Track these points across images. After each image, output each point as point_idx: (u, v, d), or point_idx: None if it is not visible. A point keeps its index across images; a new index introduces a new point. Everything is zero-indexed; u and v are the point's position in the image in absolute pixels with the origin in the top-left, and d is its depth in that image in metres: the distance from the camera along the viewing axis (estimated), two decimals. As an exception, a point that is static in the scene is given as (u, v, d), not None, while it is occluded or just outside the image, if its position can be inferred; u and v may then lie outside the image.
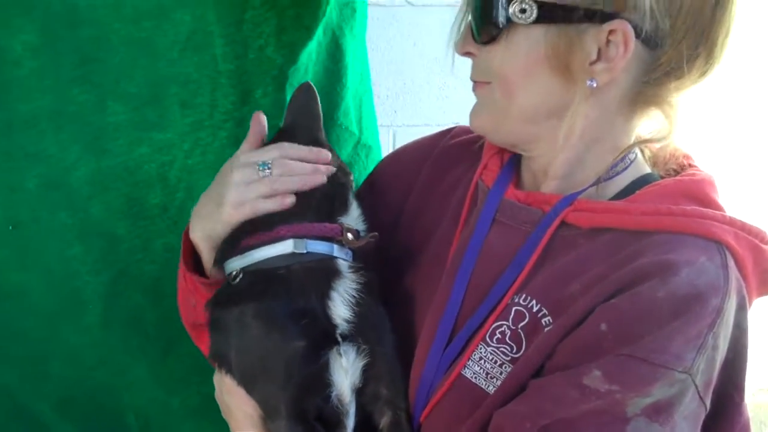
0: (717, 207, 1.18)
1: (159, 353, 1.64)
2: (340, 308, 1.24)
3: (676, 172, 1.25)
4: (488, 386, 1.16)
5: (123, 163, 1.52)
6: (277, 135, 1.37)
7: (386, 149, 2.02)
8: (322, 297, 1.24)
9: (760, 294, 1.19)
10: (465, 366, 1.18)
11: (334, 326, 1.23)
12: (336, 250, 1.27)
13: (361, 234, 1.32)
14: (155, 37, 1.47)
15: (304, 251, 1.25)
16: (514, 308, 1.17)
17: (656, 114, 1.20)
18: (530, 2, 1.13)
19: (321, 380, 1.21)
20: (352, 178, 1.38)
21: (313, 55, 1.62)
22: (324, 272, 1.25)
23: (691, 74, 1.15)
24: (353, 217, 1.33)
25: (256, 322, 1.23)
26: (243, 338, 1.25)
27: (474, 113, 1.28)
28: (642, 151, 1.27)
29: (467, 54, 1.25)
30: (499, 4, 1.15)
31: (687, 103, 1.18)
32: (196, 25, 1.48)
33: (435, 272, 1.29)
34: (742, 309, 1.12)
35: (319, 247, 1.26)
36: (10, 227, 1.51)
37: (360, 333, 1.24)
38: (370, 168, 1.76)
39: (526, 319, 1.16)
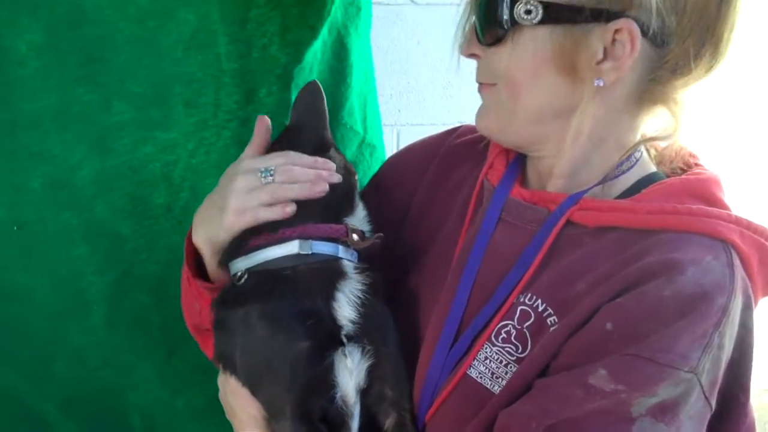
0: (723, 206, 1.17)
1: (164, 353, 1.64)
2: (346, 309, 1.24)
3: (682, 171, 1.25)
4: (493, 386, 1.16)
5: (127, 162, 1.52)
6: (283, 133, 1.37)
7: (390, 148, 2.02)
8: (327, 298, 1.23)
9: (766, 293, 1.19)
10: (470, 366, 1.18)
11: (339, 327, 1.23)
12: (341, 251, 1.27)
13: (367, 235, 1.31)
14: (159, 36, 1.47)
15: (310, 252, 1.24)
16: (519, 308, 1.17)
17: (662, 112, 1.20)
18: (535, 3, 1.13)
19: (326, 381, 1.21)
20: (356, 178, 1.38)
21: (318, 54, 1.61)
22: (329, 273, 1.25)
23: (698, 70, 1.15)
24: (359, 218, 1.33)
25: (261, 323, 1.23)
26: (248, 339, 1.25)
27: (480, 115, 1.28)
28: (647, 150, 1.26)
29: (472, 56, 1.25)
30: (504, 5, 1.15)
31: (692, 101, 1.18)
32: (200, 24, 1.48)
33: (440, 271, 1.29)
34: (747, 308, 1.12)
35: (324, 248, 1.26)
36: (15, 227, 1.51)
37: (365, 334, 1.24)
38: (375, 167, 1.76)
39: (532, 319, 1.16)
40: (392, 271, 1.38)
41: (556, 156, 1.23)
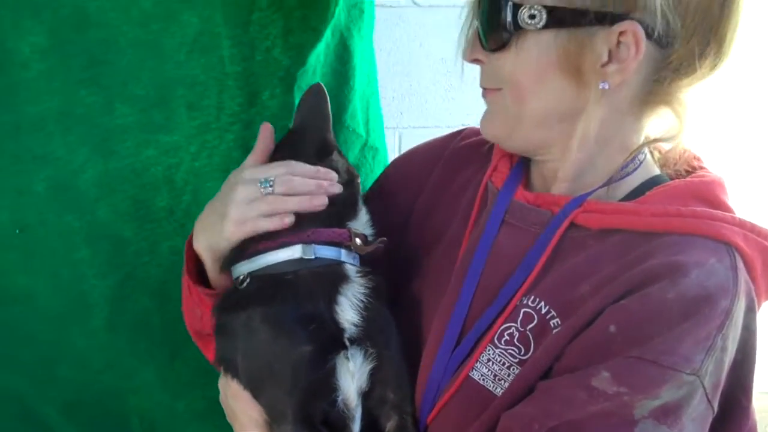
0: (726, 209, 1.18)
1: (166, 357, 1.63)
2: (348, 312, 1.24)
3: (686, 174, 1.25)
4: (496, 388, 1.16)
5: (130, 165, 1.51)
6: (287, 136, 1.38)
7: (392, 151, 2.02)
8: (329, 302, 1.24)
9: (769, 296, 1.19)
10: (473, 368, 1.18)
11: (342, 330, 1.23)
12: (344, 255, 1.27)
13: (369, 238, 1.31)
14: (163, 39, 1.47)
15: (313, 257, 1.25)
16: (522, 310, 1.17)
17: (666, 113, 1.20)
18: (539, 8, 1.13)
19: (328, 385, 1.21)
20: (359, 181, 1.38)
21: (321, 57, 1.61)
22: (332, 277, 1.25)
23: (702, 70, 1.15)
24: (362, 222, 1.33)
25: (263, 327, 1.23)
26: (250, 343, 1.25)
27: (485, 120, 1.27)
28: (651, 153, 1.27)
29: (475, 61, 1.25)
30: (508, 10, 1.15)
31: (696, 102, 1.18)
32: (203, 26, 1.48)
33: (444, 273, 1.29)
34: (750, 311, 1.12)
35: (327, 252, 1.26)
36: (17, 230, 1.50)
37: (368, 337, 1.24)
38: (377, 170, 1.76)
39: (535, 321, 1.16)
40: (395, 274, 1.38)
41: (560, 159, 1.23)
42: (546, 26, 1.13)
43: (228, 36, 1.50)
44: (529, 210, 1.24)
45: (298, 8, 1.52)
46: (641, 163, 1.23)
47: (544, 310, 1.15)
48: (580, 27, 1.12)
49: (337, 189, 1.28)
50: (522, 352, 1.16)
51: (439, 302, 1.27)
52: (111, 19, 1.44)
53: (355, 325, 1.23)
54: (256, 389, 1.25)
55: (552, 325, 1.14)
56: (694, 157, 1.26)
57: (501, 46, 1.17)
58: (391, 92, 2.11)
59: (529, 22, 1.13)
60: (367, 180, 1.71)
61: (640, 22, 1.10)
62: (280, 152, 1.34)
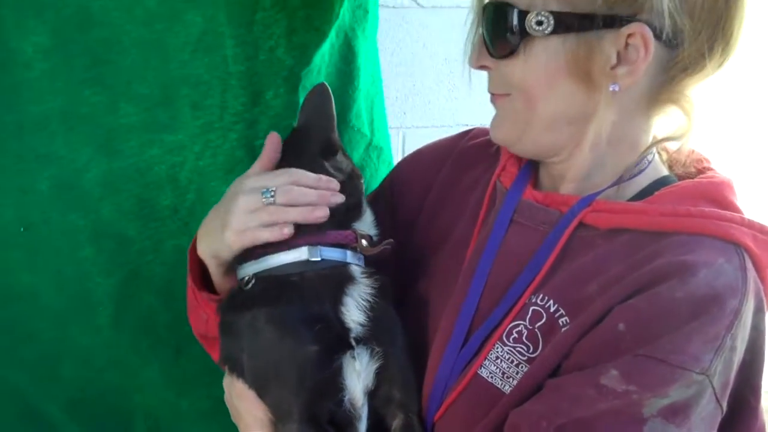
0: (735, 209, 1.18)
1: (170, 355, 1.64)
2: (354, 313, 1.24)
3: (694, 175, 1.25)
4: (504, 386, 1.17)
5: (134, 164, 1.52)
6: (291, 135, 1.37)
7: (395, 151, 2.02)
8: (335, 303, 1.24)
9: (778, 296, 1.19)
10: (481, 365, 1.19)
11: (348, 330, 1.23)
12: (349, 257, 1.27)
13: (374, 239, 1.32)
14: (166, 38, 1.47)
15: (318, 258, 1.25)
16: (531, 308, 1.18)
17: (674, 111, 1.20)
18: (546, 14, 1.13)
19: (334, 384, 1.21)
20: (363, 181, 1.38)
21: (325, 57, 1.61)
22: (337, 279, 1.26)
23: (710, 67, 1.15)
24: (367, 222, 1.34)
25: (269, 327, 1.23)
26: (255, 342, 1.25)
27: (495, 125, 1.28)
28: (659, 153, 1.27)
29: (483, 68, 1.25)
30: (515, 17, 1.15)
31: (703, 101, 1.18)
32: (206, 26, 1.48)
33: (452, 272, 1.30)
34: (759, 311, 1.12)
35: (333, 254, 1.26)
36: (22, 229, 1.51)
37: (374, 336, 1.24)
38: (382, 170, 1.76)
39: (543, 319, 1.16)
40: (403, 273, 1.39)
41: (570, 160, 1.23)
42: (554, 32, 1.13)
43: (232, 35, 1.50)
44: (538, 209, 1.24)
45: (302, 8, 1.53)
46: (650, 163, 1.23)
47: (552, 309, 1.16)
48: (588, 31, 1.12)
49: (339, 199, 1.27)
50: (530, 350, 1.16)
51: (446, 301, 1.27)
52: (114, 18, 1.45)
53: (362, 325, 1.24)
54: (261, 389, 1.25)
55: (560, 323, 1.15)
56: (702, 158, 1.27)
57: (509, 53, 1.18)
58: (394, 92, 2.11)
59: (537, 28, 1.14)
60: (371, 179, 1.72)
61: (648, 24, 1.11)
62: (284, 151, 1.34)
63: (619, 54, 1.13)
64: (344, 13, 1.61)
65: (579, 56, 1.14)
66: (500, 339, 1.18)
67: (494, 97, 1.26)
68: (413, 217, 1.45)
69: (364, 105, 1.75)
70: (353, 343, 1.23)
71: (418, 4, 2.07)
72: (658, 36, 1.12)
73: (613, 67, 1.13)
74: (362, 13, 1.70)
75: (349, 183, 1.33)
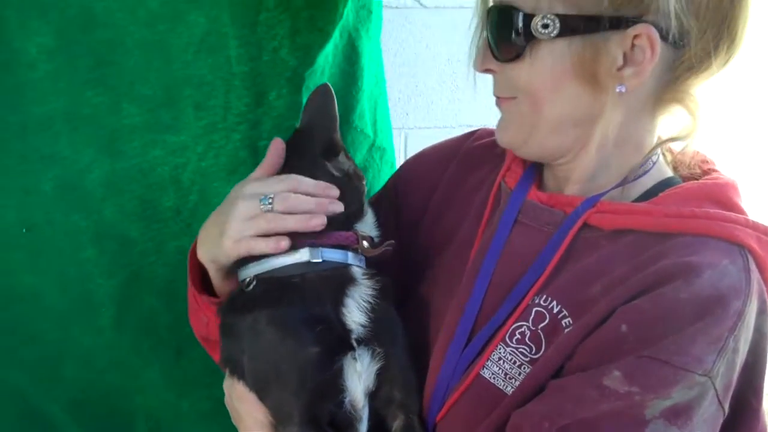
0: (740, 211, 1.18)
1: (171, 356, 1.64)
2: (355, 314, 1.24)
3: (699, 176, 1.25)
4: (506, 387, 1.16)
5: (137, 165, 1.52)
6: (294, 136, 1.37)
7: (398, 152, 2.02)
8: (336, 304, 1.24)
9: (781, 299, 1.19)
10: (484, 366, 1.19)
11: (349, 331, 1.23)
12: (351, 258, 1.27)
13: (375, 240, 1.32)
14: (170, 39, 1.47)
15: (320, 260, 1.25)
16: (534, 309, 1.17)
17: (678, 111, 1.20)
18: (552, 16, 1.13)
19: (335, 386, 1.21)
20: (365, 183, 1.38)
21: (329, 58, 1.62)
22: (339, 280, 1.26)
23: (715, 65, 1.15)
24: (368, 223, 1.34)
25: (270, 329, 1.23)
26: (256, 344, 1.25)
27: (500, 128, 1.27)
28: (663, 155, 1.27)
29: (488, 71, 1.25)
30: (520, 21, 1.15)
31: (708, 98, 1.18)
32: (210, 26, 1.48)
33: (455, 273, 1.30)
34: (762, 313, 1.12)
35: (334, 255, 1.26)
36: (24, 230, 1.51)
37: (375, 337, 1.24)
38: (385, 170, 1.76)
39: (546, 320, 1.16)
40: (407, 273, 1.39)
41: (575, 162, 1.23)
42: (560, 34, 1.13)
43: (235, 36, 1.50)
44: (543, 210, 1.24)
45: (306, 9, 1.52)
46: (654, 164, 1.23)
47: (556, 310, 1.16)
48: (594, 33, 1.12)
49: (338, 208, 1.27)
50: (533, 351, 1.16)
51: (450, 301, 1.27)
52: (118, 19, 1.45)
53: (363, 326, 1.24)
54: (262, 391, 1.25)
55: (564, 324, 1.14)
56: (706, 160, 1.27)
57: (515, 56, 1.17)
58: (397, 93, 2.11)
59: (543, 31, 1.13)
60: (374, 180, 1.72)
61: (654, 25, 1.10)
62: (286, 152, 1.34)
63: (625, 55, 1.12)
64: (348, 13, 1.61)
65: (585, 58, 1.13)
66: (503, 340, 1.18)
67: (500, 101, 1.26)
68: (418, 217, 1.45)
69: (368, 106, 1.75)
70: (354, 344, 1.23)
71: (421, 4, 2.06)
72: (664, 37, 1.11)
73: (619, 69, 1.13)
74: (366, 13, 1.70)
75: (350, 184, 1.33)
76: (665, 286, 1.07)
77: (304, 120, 1.38)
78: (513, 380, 1.16)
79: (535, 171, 1.31)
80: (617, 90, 1.13)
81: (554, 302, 1.16)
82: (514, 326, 1.18)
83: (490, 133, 1.41)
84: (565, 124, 1.20)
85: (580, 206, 1.20)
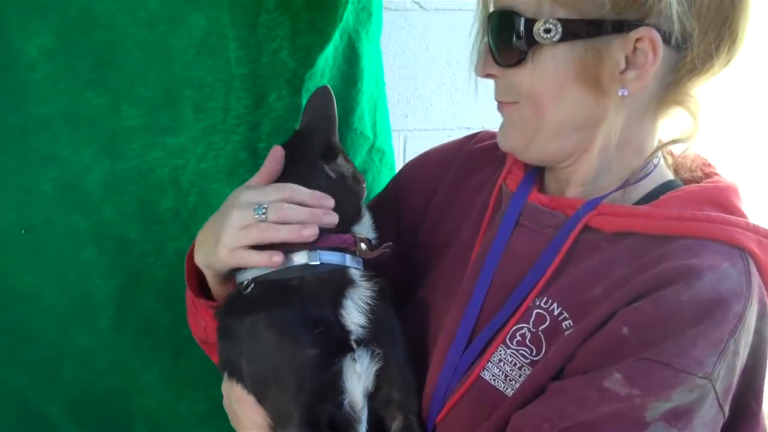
0: (740, 214, 1.18)
1: (170, 357, 1.64)
2: (354, 315, 1.24)
3: (700, 179, 1.25)
4: (507, 389, 1.17)
5: (136, 166, 1.52)
6: (292, 138, 1.37)
7: (397, 154, 2.02)
8: (334, 306, 1.24)
9: (782, 302, 1.19)
10: (484, 368, 1.19)
11: (348, 333, 1.23)
12: (348, 260, 1.27)
13: (373, 242, 1.32)
14: (170, 40, 1.47)
15: (318, 262, 1.25)
16: (535, 311, 1.18)
17: (679, 113, 1.20)
18: (554, 21, 1.12)
19: (334, 388, 1.21)
20: (364, 185, 1.38)
21: (329, 60, 1.62)
22: (337, 282, 1.26)
23: (717, 66, 1.15)
24: (365, 226, 1.34)
25: (268, 332, 1.23)
26: (255, 347, 1.25)
27: (503, 133, 1.27)
28: (664, 157, 1.27)
29: (489, 76, 1.24)
30: (521, 26, 1.14)
31: (708, 103, 1.18)
32: (210, 28, 1.48)
33: (456, 275, 1.30)
34: (762, 317, 1.12)
35: (332, 257, 1.26)
36: (23, 230, 1.51)
37: (374, 338, 1.24)
38: (384, 172, 1.76)
39: (547, 322, 1.16)
40: (408, 275, 1.39)
41: (576, 165, 1.23)
42: (562, 39, 1.13)
43: (235, 38, 1.50)
44: (544, 212, 1.24)
45: (306, 10, 1.52)
46: (655, 166, 1.23)
47: (556, 312, 1.16)
48: (597, 37, 1.12)
49: (332, 218, 1.26)
50: (534, 353, 1.16)
51: (450, 304, 1.27)
52: (118, 20, 1.45)
53: (362, 327, 1.24)
54: (260, 393, 1.25)
55: (564, 326, 1.15)
56: (707, 163, 1.27)
57: (517, 61, 1.17)
58: (396, 95, 2.11)
59: (545, 36, 1.13)
60: (374, 182, 1.72)
61: (656, 28, 1.11)
62: (284, 153, 1.34)
63: (627, 58, 1.12)
64: (348, 15, 1.62)
65: (587, 62, 1.13)
66: (503, 341, 1.18)
67: (501, 105, 1.26)
68: (418, 220, 1.45)
69: (368, 108, 1.75)
70: (354, 345, 1.23)
71: (421, 6, 2.06)
72: (666, 40, 1.12)
73: (621, 72, 1.13)
74: (366, 15, 1.70)
75: (347, 186, 1.33)
76: (666, 288, 1.07)
77: (304, 122, 1.38)
78: (513, 382, 1.16)
79: (536, 174, 1.31)
80: (620, 93, 1.13)
81: (555, 304, 1.16)
82: (514, 328, 1.18)
83: (491, 135, 1.41)
84: (567, 128, 1.19)
85: (581, 209, 1.20)
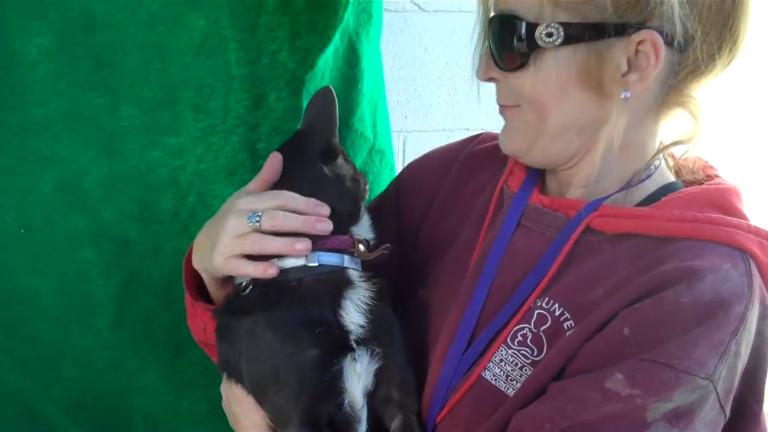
0: (742, 216, 1.18)
1: (169, 357, 1.64)
2: (353, 315, 1.24)
3: (701, 181, 1.25)
4: (508, 389, 1.17)
5: (135, 166, 1.52)
6: (293, 137, 1.38)
7: (396, 155, 2.02)
8: (333, 306, 1.24)
9: (783, 304, 1.19)
10: (485, 368, 1.19)
11: (347, 333, 1.23)
12: (347, 261, 1.28)
13: (371, 243, 1.32)
14: (169, 41, 1.47)
15: (316, 264, 1.25)
16: (536, 311, 1.18)
17: (680, 115, 1.20)
18: (556, 25, 1.12)
19: (334, 388, 1.21)
20: (366, 187, 1.37)
21: (330, 61, 1.62)
22: (336, 283, 1.26)
23: (719, 66, 1.15)
24: (364, 226, 1.34)
25: (268, 332, 1.23)
26: (254, 348, 1.25)
27: (505, 136, 1.27)
28: (665, 159, 1.27)
29: (491, 80, 1.25)
30: (523, 31, 1.15)
31: (710, 104, 1.18)
32: (210, 29, 1.48)
33: (457, 276, 1.30)
34: (763, 318, 1.12)
35: (330, 258, 1.26)
36: (23, 230, 1.51)
37: (374, 337, 1.25)
38: (384, 173, 1.77)
39: (548, 323, 1.16)
40: (409, 276, 1.39)
41: (578, 166, 1.24)
42: (564, 43, 1.13)
43: (235, 39, 1.50)
44: (545, 213, 1.25)
45: (306, 12, 1.53)
46: (656, 168, 1.23)
47: (557, 312, 1.16)
48: (599, 40, 1.12)
49: (327, 226, 1.26)
50: (535, 353, 1.17)
51: (451, 304, 1.28)
52: (118, 21, 1.45)
53: (361, 327, 1.24)
54: (260, 394, 1.26)
55: (565, 327, 1.15)
56: (708, 165, 1.27)
57: (519, 65, 1.17)
58: (395, 96, 2.11)
59: (547, 40, 1.13)
60: (374, 183, 1.72)
61: (658, 30, 1.11)
62: (285, 155, 1.34)
63: (629, 61, 1.13)
64: (348, 17, 1.62)
65: (590, 65, 1.13)
66: (505, 342, 1.19)
67: (503, 109, 1.26)
68: (419, 221, 1.45)
69: (368, 109, 1.75)
70: (353, 345, 1.23)
71: (420, 7, 2.06)
72: (669, 42, 1.12)
73: (624, 75, 1.13)
74: (366, 17, 1.70)
75: (344, 187, 1.33)
76: (667, 289, 1.08)
77: (305, 122, 1.38)
78: (514, 382, 1.16)
79: (537, 175, 1.31)
80: (622, 96, 1.14)
81: (556, 305, 1.16)
82: (515, 328, 1.19)
83: (493, 137, 1.42)
84: (569, 131, 1.20)
85: (582, 210, 1.20)
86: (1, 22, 1.42)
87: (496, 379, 1.18)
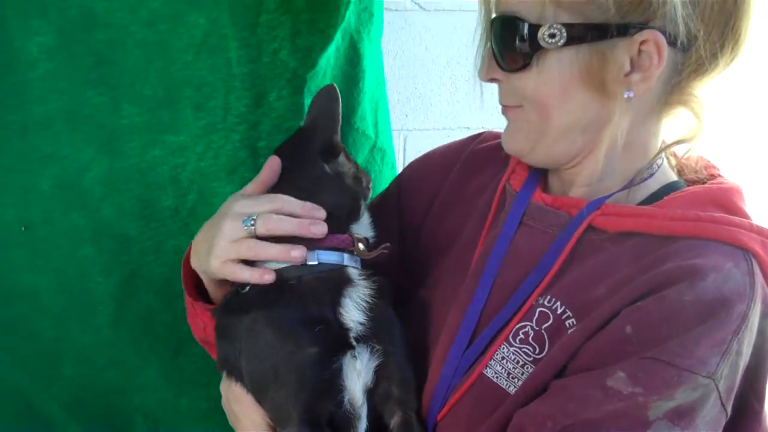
0: (744, 215, 1.18)
1: (169, 354, 1.64)
2: (353, 313, 1.25)
3: (703, 181, 1.25)
4: (509, 386, 1.17)
5: (136, 164, 1.52)
6: (295, 135, 1.38)
7: (397, 153, 2.02)
8: (333, 305, 1.24)
9: (784, 303, 1.19)
10: (487, 365, 1.19)
11: (347, 331, 1.23)
12: (347, 259, 1.28)
13: (371, 241, 1.32)
14: (170, 39, 1.47)
15: (316, 262, 1.25)
16: (538, 309, 1.18)
17: (683, 114, 1.20)
18: (559, 26, 1.13)
19: (334, 385, 1.21)
20: (370, 185, 1.38)
21: (331, 60, 1.62)
22: (335, 281, 1.26)
23: (721, 65, 1.15)
24: (364, 224, 1.34)
25: (267, 330, 1.24)
26: (254, 346, 1.25)
27: (507, 136, 1.28)
28: (668, 159, 1.27)
29: (493, 80, 1.25)
30: (525, 32, 1.15)
31: (712, 103, 1.18)
32: (210, 28, 1.48)
33: (459, 274, 1.30)
34: (765, 317, 1.12)
35: (330, 257, 1.27)
36: (23, 228, 1.51)
37: (374, 334, 1.25)
38: (385, 171, 1.77)
39: (550, 321, 1.17)
40: (410, 274, 1.40)
41: (581, 166, 1.24)
42: (567, 43, 1.13)
43: (235, 37, 1.50)
44: (547, 212, 1.25)
45: (306, 11, 1.53)
46: (659, 167, 1.24)
47: (559, 310, 1.16)
48: (601, 40, 1.12)
49: (322, 229, 1.26)
50: (536, 351, 1.17)
51: (452, 302, 1.28)
52: (118, 19, 1.45)
53: (361, 324, 1.24)
54: (260, 392, 1.26)
55: (567, 325, 1.15)
56: (710, 164, 1.28)
57: (521, 66, 1.17)
58: (396, 95, 2.11)
59: (550, 41, 1.13)
60: (375, 181, 1.72)
61: (660, 30, 1.11)
62: (286, 152, 1.34)
63: (632, 61, 1.13)
64: (350, 16, 1.62)
65: (593, 66, 1.14)
66: (506, 339, 1.19)
67: (506, 109, 1.26)
68: (421, 219, 1.45)
69: (369, 107, 1.76)
70: (353, 342, 1.23)
71: (421, 6, 2.06)
72: (671, 42, 1.12)
73: (626, 75, 1.13)
74: (368, 16, 1.71)
75: (346, 185, 1.33)
76: (670, 288, 1.08)
77: (308, 119, 1.38)
78: (516, 380, 1.17)
79: (539, 173, 1.31)
80: (625, 96, 1.14)
81: (558, 303, 1.17)
82: (517, 326, 1.19)
83: (495, 135, 1.42)
84: (572, 131, 1.20)
85: (584, 208, 1.20)
86: (2, 20, 1.42)
87: (497, 377, 1.18)
